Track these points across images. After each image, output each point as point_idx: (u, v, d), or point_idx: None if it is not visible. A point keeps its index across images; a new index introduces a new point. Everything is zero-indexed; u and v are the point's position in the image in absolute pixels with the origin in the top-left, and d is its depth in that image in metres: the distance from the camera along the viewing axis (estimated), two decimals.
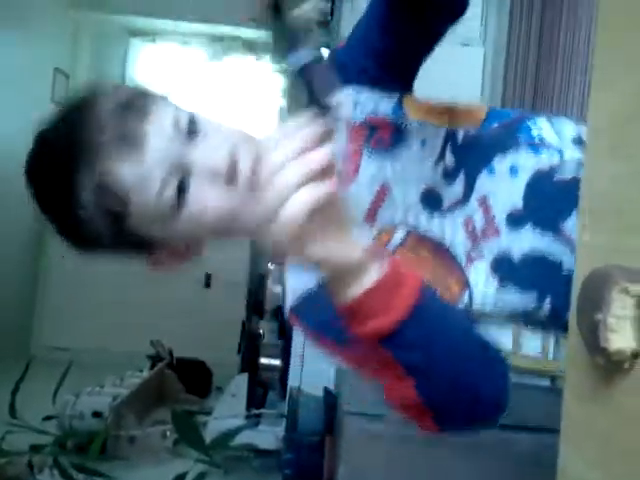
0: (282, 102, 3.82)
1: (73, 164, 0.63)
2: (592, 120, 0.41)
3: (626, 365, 0.36)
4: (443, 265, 0.73)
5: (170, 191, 0.63)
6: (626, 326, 0.36)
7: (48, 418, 2.33)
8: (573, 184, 0.70)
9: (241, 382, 2.59)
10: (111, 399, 2.42)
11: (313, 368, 2.21)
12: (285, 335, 2.45)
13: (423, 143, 0.74)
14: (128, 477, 2.05)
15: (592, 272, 0.38)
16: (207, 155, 0.64)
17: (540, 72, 3.02)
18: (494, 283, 0.72)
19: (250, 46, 3.92)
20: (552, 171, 0.73)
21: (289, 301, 0.75)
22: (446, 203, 0.73)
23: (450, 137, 0.75)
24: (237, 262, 3.56)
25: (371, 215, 0.73)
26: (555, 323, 0.73)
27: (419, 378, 0.58)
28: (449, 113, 0.78)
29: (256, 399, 2.34)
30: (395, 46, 0.77)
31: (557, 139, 0.76)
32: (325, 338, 0.71)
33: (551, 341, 2.10)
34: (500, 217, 0.72)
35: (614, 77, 0.41)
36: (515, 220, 0.72)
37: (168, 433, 2.31)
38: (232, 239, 0.74)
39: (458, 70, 3.03)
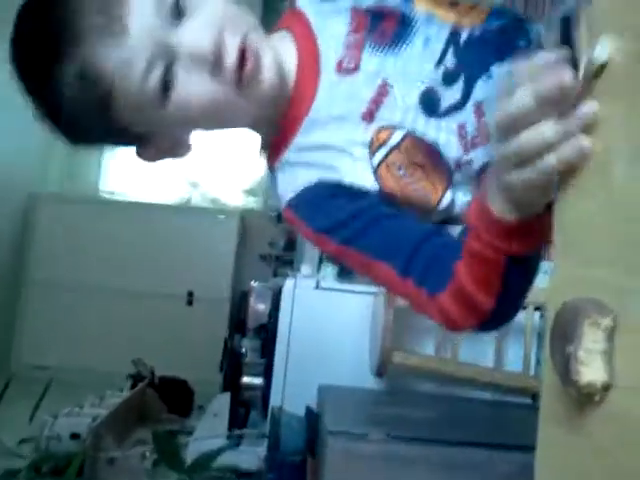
0: None
1: (54, 50, 0.63)
2: None
3: (597, 397, 0.37)
4: (432, 164, 0.72)
5: (155, 76, 0.62)
6: (597, 359, 0.36)
7: (24, 441, 2.29)
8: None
9: (223, 401, 2.57)
10: (90, 420, 2.38)
11: (295, 387, 2.21)
12: (268, 354, 2.44)
13: (426, 42, 0.72)
14: None
15: (563, 305, 0.38)
16: (191, 40, 0.62)
17: None
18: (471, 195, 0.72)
19: None
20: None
21: (284, 197, 0.73)
22: (443, 106, 0.72)
23: (453, 37, 0.73)
24: (219, 280, 3.55)
25: (370, 112, 0.71)
26: None
27: (507, 290, 0.60)
28: (455, 8, 0.76)
29: (238, 418, 2.32)
30: None
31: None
32: (332, 239, 0.70)
33: (533, 357, 2.12)
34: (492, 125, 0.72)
35: None
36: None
37: (148, 454, 2.28)
38: (219, 130, 0.74)
39: None
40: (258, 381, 2.42)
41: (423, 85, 0.72)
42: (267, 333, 2.48)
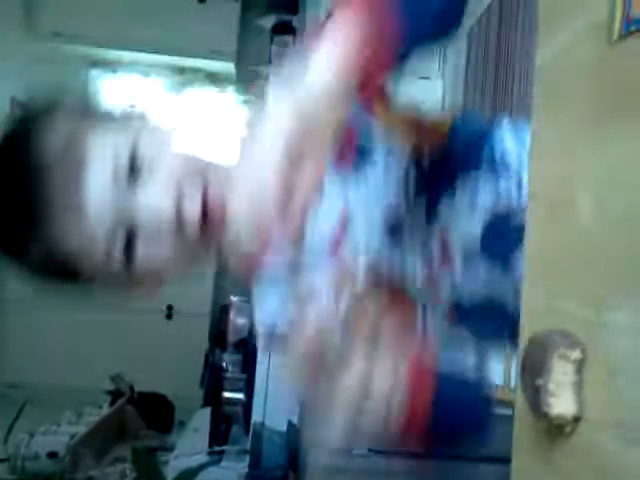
0: (245, 133, 3.85)
1: (17, 230, 0.63)
2: (530, 186, 0.43)
3: (567, 429, 0.37)
4: (400, 300, 0.72)
5: (116, 244, 0.62)
6: (567, 391, 0.37)
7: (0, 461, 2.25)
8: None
9: (204, 416, 2.55)
10: (68, 438, 2.35)
11: (277, 402, 2.19)
12: (249, 368, 2.42)
13: (387, 163, 0.72)
14: None
15: (532, 337, 0.39)
16: (150, 205, 0.62)
17: (497, 101, 3.11)
18: (448, 325, 0.73)
19: (212, 78, 3.93)
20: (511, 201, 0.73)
21: (260, 331, 0.75)
22: (407, 230, 0.72)
23: (415, 158, 0.73)
24: (199, 293, 3.52)
25: (333, 244, 0.72)
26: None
27: None
28: (416, 126, 0.76)
29: (219, 434, 2.30)
30: None
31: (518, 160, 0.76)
32: None
33: (513, 368, 2.13)
34: (456, 247, 0.72)
35: (550, 144, 0.42)
36: (470, 251, 0.71)
37: (127, 472, 2.25)
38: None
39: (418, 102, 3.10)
40: (239, 396, 2.40)
41: (386, 207, 0.71)
42: (247, 347, 2.47)
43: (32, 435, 2.33)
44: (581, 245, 0.38)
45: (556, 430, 0.37)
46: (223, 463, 2.22)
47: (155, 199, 0.62)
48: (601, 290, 0.36)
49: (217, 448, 2.16)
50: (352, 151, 0.71)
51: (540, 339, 0.38)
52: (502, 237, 0.72)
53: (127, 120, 0.71)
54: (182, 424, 2.90)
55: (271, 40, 3.45)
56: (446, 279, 0.72)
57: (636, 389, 0.32)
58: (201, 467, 1.96)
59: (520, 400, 0.42)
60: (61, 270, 0.65)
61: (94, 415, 2.68)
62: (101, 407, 2.81)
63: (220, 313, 3.01)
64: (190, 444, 2.37)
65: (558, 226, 0.40)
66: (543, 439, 0.40)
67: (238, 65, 3.57)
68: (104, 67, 4.03)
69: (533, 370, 0.38)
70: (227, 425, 2.44)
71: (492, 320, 0.73)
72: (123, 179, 0.62)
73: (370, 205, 0.72)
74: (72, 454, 2.27)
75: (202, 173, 0.65)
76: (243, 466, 2.17)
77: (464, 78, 3.12)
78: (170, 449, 2.41)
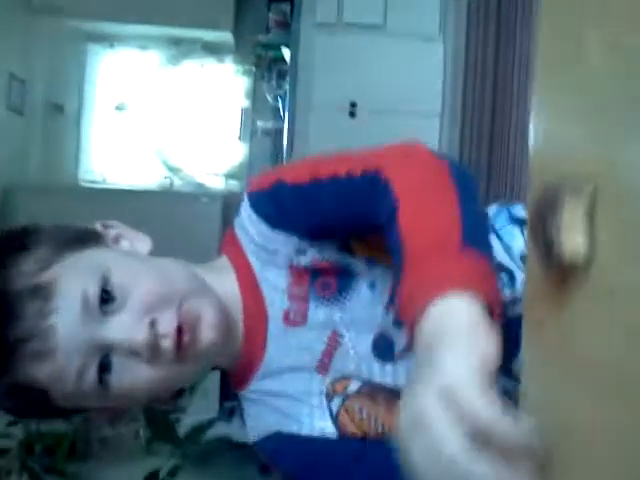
0: (245, 104, 3.85)
1: None
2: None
3: (579, 270, 0.38)
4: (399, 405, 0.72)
5: (90, 374, 0.60)
6: (579, 230, 0.37)
7: (13, 423, 2.28)
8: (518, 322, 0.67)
9: (215, 379, 2.58)
10: None
11: None
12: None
13: (372, 286, 0.71)
14: (100, 477, 2.03)
15: (544, 185, 0.40)
16: (124, 334, 0.60)
17: (499, 66, 3.09)
18: None
19: (211, 48, 3.91)
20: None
21: (251, 436, 0.74)
22: (398, 349, 0.71)
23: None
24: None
25: (324, 364, 0.71)
26: None
27: None
28: None
29: (230, 392, 2.33)
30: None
31: (507, 259, 0.75)
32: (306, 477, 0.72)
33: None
34: None
35: None
36: None
37: (141, 432, 2.29)
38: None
39: (419, 65, 3.09)
40: None
41: (374, 331, 0.71)
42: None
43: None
44: (592, 84, 0.38)
45: (569, 274, 0.39)
46: (234, 420, 2.26)
47: (128, 329, 0.60)
48: (615, 127, 0.37)
49: (227, 404, 2.19)
50: (333, 279, 0.70)
51: (552, 184, 0.40)
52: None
53: (101, 244, 0.69)
54: (192, 389, 2.93)
55: (268, 8, 3.44)
56: None
57: None
58: (211, 421, 1.99)
59: (530, 257, 0.43)
60: (26, 403, 0.64)
61: None
62: None
63: None
64: (201, 404, 2.40)
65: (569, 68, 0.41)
66: (555, 290, 0.41)
67: (236, 34, 3.55)
68: (101, 41, 4.01)
69: (544, 213, 0.39)
70: None
71: None
72: (95, 310, 0.60)
73: (358, 328, 0.71)
74: (85, 418, 2.30)
75: (178, 292, 0.64)
76: None
77: (465, 39, 3.10)
78: (182, 410, 2.44)
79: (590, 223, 0.37)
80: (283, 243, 0.69)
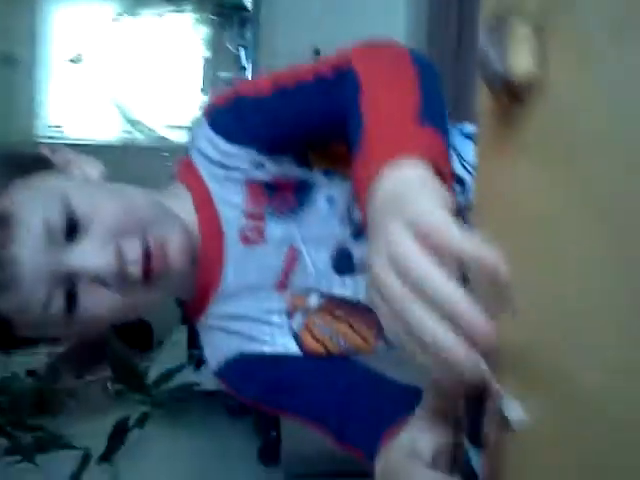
0: (206, 54, 3.75)
1: None
2: None
3: (526, 96, 0.36)
4: (360, 320, 0.71)
5: (56, 304, 0.58)
6: (526, 50, 0.35)
7: None
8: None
9: (183, 331, 2.56)
10: (46, 357, 2.34)
11: None
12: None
13: (330, 201, 0.69)
14: (69, 429, 2.00)
15: (495, 13, 0.37)
16: (90, 262, 0.58)
17: (462, 31, 3.04)
18: None
19: None
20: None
21: (211, 364, 0.73)
22: (357, 262, 0.70)
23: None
24: None
25: (283, 281, 0.70)
26: None
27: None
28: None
29: (198, 343, 2.31)
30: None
31: (461, 168, 0.76)
32: (266, 405, 0.72)
33: None
34: None
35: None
36: None
37: (109, 385, 2.26)
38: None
39: (382, 12, 3.04)
40: None
41: (332, 245, 0.70)
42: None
43: (9, 354, 2.32)
44: None
45: (518, 98, 0.36)
46: (203, 368, 2.25)
47: (94, 257, 0.59)
48: None
49: (195, 353, 2.17)
50: (291, 195, 0.69)
51: (500, 10, 0.37)
52: None
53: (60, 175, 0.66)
54: (161, 343, 2.91)
55: None
56: None
57: None
58: (180, 367, 1.98)
59: (482, 92, 0.40)
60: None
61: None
62: None
63: None
64: (170, 354, 2.39)
65: None
66: (505, 115, 0.39)
67: None
68: None
69: (493, 38, 0.36)
70: None
71: None
72: (60, 239, 0.58)
73: (317, 243, 0.70)
74: (51, 370, 2.26)
75: (142, 220, 0.62)
76: None
77: (428, 8, 3.04)
78: (150, 360, 2.43)
79: (539, 42, 0.35)
80: (241, 158, 0.67)
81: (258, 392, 0.70)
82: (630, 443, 0.24)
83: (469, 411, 0.43)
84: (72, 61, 3.62)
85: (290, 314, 0.70)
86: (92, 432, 1.95)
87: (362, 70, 0.59)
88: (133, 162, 3.52)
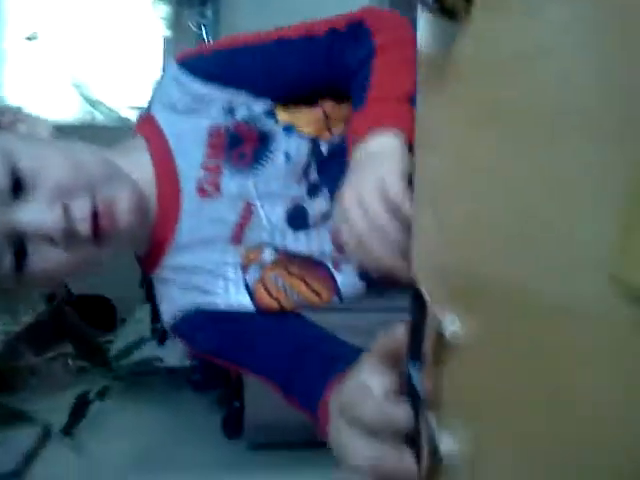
0: (167, 33, 3.69)
1: None
2: None
3: (461, 15, 0.38)
4: (313, 275, 0.72)
5: (6, 260, 0.58)
6: None
7: None
8: None
9: (146, 310, 2.54)
10: (3, 336, 2.30)
11: None
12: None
13: (287, 157, 0.70)
14: (31, 405, 1.98)
15: None
16: (36, 221, 0.58)
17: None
18: (362, 285, 0.74)
19: None
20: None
21: (166, 318, 0.74)
22: (312, 219, 0.71)
23: (315, 149, 0.71)
24: None
25: (237, 235, 0.71)
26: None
27: None
28: (325, 118, 0.73)
29: (153, 294, 2.30)
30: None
31: None
32: (218, 359, 0.73)
33: None
34: None
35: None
36: None
37: (70, 362, 2.24)
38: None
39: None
40: None
41: (288, 202, 0.71)
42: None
43: None
44: None
45: (451, 17, 0.38)
46: (167, 344, 2.24)
47: (41, 216, 0.58)
48: None
49: (158, 327, 2.17)
50: (250, 148, 0.70)
51: None
52: None
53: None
54: (123, 321, 2.89)
55: None
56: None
57: None
58: (141, 341, 1.97)
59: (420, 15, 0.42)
60: None
61: (30, 316, 2.63)
62: (35, 310, 2.75)
63: None
64: (133, 330, 2.37)
65: None
66: (441, 35, 0.40)
67: None
68: None
69: None
70: None
71: None
72: (7, 197, 0.58)
73: (272, 199, 0.70)
74: (9, 348, 2.23)
75: (90, 178, 0.62)
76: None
77: None
78: (113, 335, 2.41)
79: None
80: (213, 101, 0.68)
81: (211, 346, 0.72)
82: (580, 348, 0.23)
83: (410, 327, 0.45)
84: (28, 39, 3.53)
85: (244, 268, 0.71)
86: (53, 408, 1.94)
87: (381, 36, 0.68)
88: (93, 142, 3.45)
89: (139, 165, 0.69)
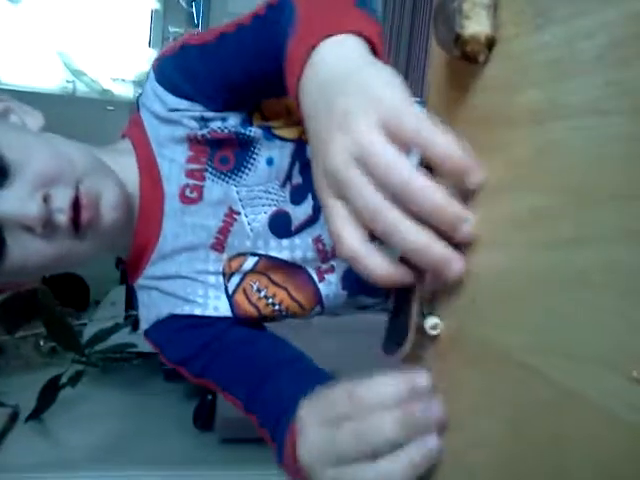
0: (156, 6, 3.60)
1: None
2: None
3: (481, 57, 0.35)
4: (296, 284, 0.71)
5: None
6: (481, 13, 0.35)
7: None
8: None
9: (121, 292, 2.50)
10: None
11: None
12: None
13: (270, 162, 0.67)
14: None
15: None
16: (16, 209, 0.57)
17: (416, 18, 3.01)
18: (344, 294, 0.73)
19: None
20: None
21: (142, 325, 0.72)
22: (295, 224, 0.69)
23: (298, 153, 0.69)
24: None
25: (219, 242, 0.69)
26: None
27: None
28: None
29: (134, 301, 2.27)
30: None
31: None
32: (187, 370, 0.70)
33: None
34: None
35: None
36: None
37: (42, 342, 2.20)
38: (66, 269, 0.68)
39: None
40: None
41: (270, 208, 0.68)
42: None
43: None
44: None
45: (470, 60, 0.36)
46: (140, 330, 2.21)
47: (21, 204, 0.57)
48: None
49: (133, 312, 2.13)
50: (232, 155, 0.67)
51: None
52: None
53: None
54: (98, 303, 2.85)
55: None
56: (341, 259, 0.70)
57: None
58: (115, 327, 1.93)
59: (434, 48, 0.40)
60: None
61: (2, 295, 2.57)
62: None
63: None
64: (107, 314, 2.34)
65: None
66: (457, 78, 0.38)
67: None
68: None
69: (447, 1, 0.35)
70: None
71: None
72: None
73: (255, 205, 0.68)
74: None
75: (75, 168, 0.60)
76: None
77: None
78: (86, 318, 2.37)
79: (493, 12, 0.34)
80: (186, 113, 0.66)
81: (181, 355, 0.70)
82: None
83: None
84: (11, 1, 3.42)
85: (226, 276, 0.70)
86: (22, 389, 1.90)
87: None
88: (73, 113, 3.37)
89: (125, 167, 0.68)
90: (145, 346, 2.18)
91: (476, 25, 0.34)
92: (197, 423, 1.85)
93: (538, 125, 0.30)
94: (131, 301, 2.39)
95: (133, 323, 2.13)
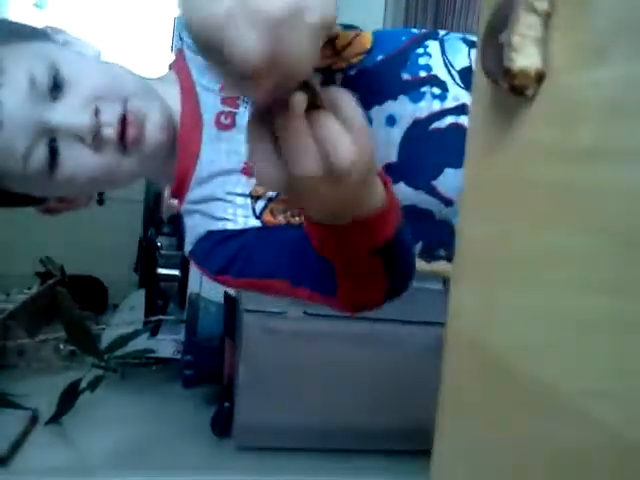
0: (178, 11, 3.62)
1: None
2: None
3: (530, 91, 0.35)
4: None
5: (37, 157, 0.62)
6: (531, 46, 0.34)
7: None
8: (449, 132, 0.71)
9: (139, 296, 2.51)
10: None
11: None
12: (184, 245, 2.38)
13: None
14: (18, 389, 1.95)
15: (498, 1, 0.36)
16: (68, 118, 0.62)
17: (439, 14, 3.00)
18: None
19: None
20: (430, 119, 0.72)
21: (185, 248, 0.77)
22: None
23: (329, 82, 0.70)
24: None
25: (249, 167, 0.71)
26: (425, 257, 0.80)
27: (392, 273, 0.61)
28: (331, 45, 0.73)
29: (155, 309, 2.28)
30: None
31: (445, 72, 0.74)
32: (229, 275, 0.73)
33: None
34: None
35: None
36: (389, 175, 0.66)
37: (62, 346, 2.22)
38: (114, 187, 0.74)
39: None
40: (175, 272, 2.37)
41: None
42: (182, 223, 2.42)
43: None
44: None
45: (518, 93, 0.35)
46: (160, 335, 2.22)
47: (73, 113, 0.62)
48: None
49: (152, 318, 2.14)
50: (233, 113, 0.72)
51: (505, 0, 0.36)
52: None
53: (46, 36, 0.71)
54: (116, 307, 2.87)
55: None
56: None
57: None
58: (135, 333, 1.94)
59: (478, 74, 0.39)
60: None
61: (23, 294, 2.60)
62: (30, 288, 2.72)
63: (154, 199, 2.92)
64: (126, 318, 2.35)
65: None
66: (503, 113, 0.38)
67: None
68: None
69: (497, 29, 0.35)
70: (164, 302, 2.42)
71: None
72: (44, 93, 0.62)
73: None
74: (2, 327, 2.20)
75: (125, 89, 0.66)
76: (180, 337, 2.17)
77: None
78: (105, 326, 2.38)
79: (543, 45, 0.34)
80: None
81: (221, 263, 0.73)
82: None
83: None
84: (36, 6, 3.47)
85: (254, 198, 0.73)
86: (42, 393, 1.91)
87: None
88: None
89: (170, 96, 0.73)
90: (164, 352, 2.19)
91: (525, 59, 0.34)
92: (215, 430, 1.85)
93: (585, 164, 0.30)
94: (151, 307, 2.41)
95: (152, 329, 2.14)
